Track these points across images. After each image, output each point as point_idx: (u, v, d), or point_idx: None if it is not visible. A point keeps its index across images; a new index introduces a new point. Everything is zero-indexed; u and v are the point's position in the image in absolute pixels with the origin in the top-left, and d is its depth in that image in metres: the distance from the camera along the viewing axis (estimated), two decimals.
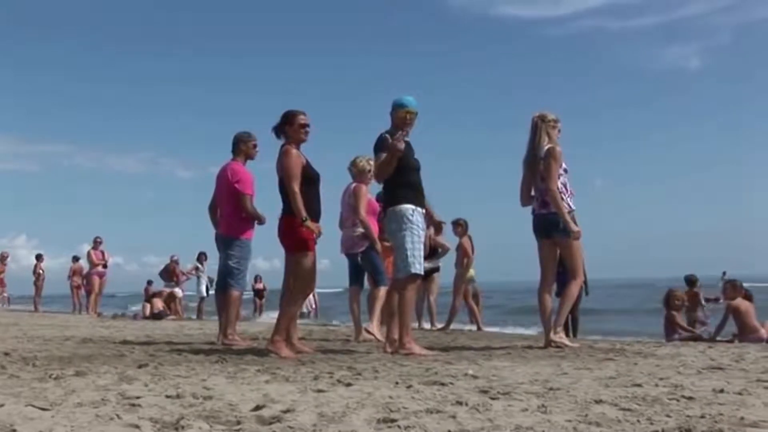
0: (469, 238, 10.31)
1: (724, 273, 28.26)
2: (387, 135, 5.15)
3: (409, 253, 5.04)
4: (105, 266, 16.74)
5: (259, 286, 20.56)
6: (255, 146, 6.45)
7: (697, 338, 8.07)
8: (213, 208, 6.60)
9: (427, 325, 10.08)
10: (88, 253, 16.64)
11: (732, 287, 8.54)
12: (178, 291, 16.08)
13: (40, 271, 18.90)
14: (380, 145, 5.17)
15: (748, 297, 8.41)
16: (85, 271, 17.53)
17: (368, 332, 6.75)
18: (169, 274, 16.35)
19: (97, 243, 16.60)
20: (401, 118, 5.23)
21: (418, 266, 5.08)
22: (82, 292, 18.03)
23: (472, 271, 10.30)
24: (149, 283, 16.34)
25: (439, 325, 9.85)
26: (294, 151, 5.15)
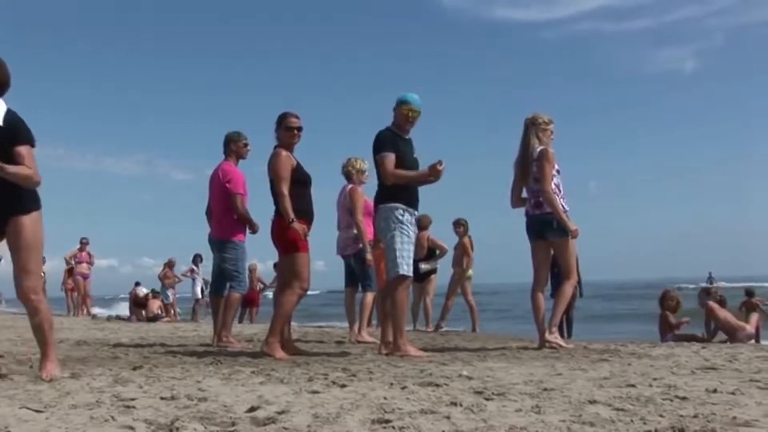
0: (470, 238, 10.31)
1: (710, 274, 28.37)
2: (433, 166, 5.07)
3: (397, 254, 5.00)
4: (73, 268, 16.49)
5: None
6: (246, 146, 6.44)
7: (690, 338, 8.11)
8: (210, 212, 6.59)
9: (422, 327, 10.07)
10: (72, 254, 16.43)
11: (705, 293, 8.69)
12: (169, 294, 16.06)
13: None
14: (382, 143, 5.11)
15: (721, 302, 8.55)
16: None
17: (360, 342, 6.71)
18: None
19: (83, 244, 16.47)
20: (403, 114, 5.20)
21: (407, 267, 5.04)
22: (76, 294, 17.94)
23: (470, 271, 10.29)
24: (155, 292, 16.29)
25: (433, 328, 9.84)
26: (283, 153, 5.15)
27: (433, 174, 5.10)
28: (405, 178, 5.09)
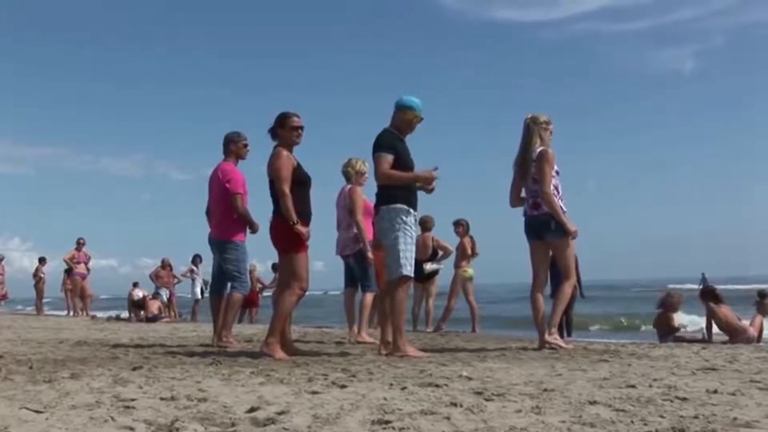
0: (471, 238, 10.30)
1: (703, 275, 28.40)
2: (429, 171, 5.17)
3: (401, 254, 5.01)
4: (72, 269, 16.52)
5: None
6: (245, 146, 6.44)
7: (691, 340, 8.11)
8: (209, 212, 6.58)
9: (422, 328, 10.06)
10: (71, 255, 16.46)
11: (707, 294, 8.62)
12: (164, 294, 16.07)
13: (41, 275, 18.68)
14: (382, 144, 5.10)
15: (720, 299, 8.49)
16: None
17: (359, 342, 6.71)
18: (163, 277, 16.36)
19: (80, 244, 16.49)
20: (407, 120, 5.20)
21: (409, 268, 5.05)
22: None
23: (472, 271, 10.28)
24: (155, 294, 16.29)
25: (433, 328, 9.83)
26: (284, 152, 5.15)
27: (425, 180, 5.14)
28: (397, 178, 5.07)
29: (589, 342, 7.07)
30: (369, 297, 7.00)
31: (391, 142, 5.11)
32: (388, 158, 5.05)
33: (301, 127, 5.27)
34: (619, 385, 3.32)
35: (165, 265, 16.54)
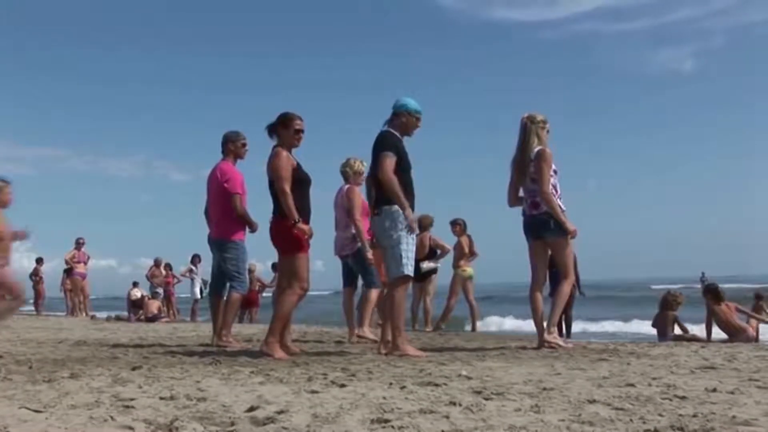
0: (469, 237, 10.30)
1: (703, 274, 28.45)
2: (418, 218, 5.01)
3: (403, 254, 5.02)
4: (72, 269, 16.52)
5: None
6: (244, 145, 6.42)
7: (690, 339, 8.12)
8: (208, 212, 6.58)
9: (421, 327, 10.06)
10: (72, 255, 16.49)
11: (709, 293, 8.61)
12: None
13: (41, 275, 18.66)
14: (387, 144, 5.08)
15: (721, 297, 8.48)
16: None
17: (360, 337, 6.72)
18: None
19: (79, 244, 16.50)
20: (410, 123, 5.20)
21: (411, 267, 5.07)
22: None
23: (471, 270, 10.28)
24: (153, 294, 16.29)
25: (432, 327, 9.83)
26: (284, 153, 5.15)
27: (409, 220, 5.04)
28: (394, 192, 4.99)
29: (588, 341, 7.07)
30: (374, 293, 6.92)
31: (394, 143, 5.12)
32: (393, 159, 5.05)
33: (303, 131, 5.27)
34: (618, 383, 3.32)
35: (158, 264, 16.55)
